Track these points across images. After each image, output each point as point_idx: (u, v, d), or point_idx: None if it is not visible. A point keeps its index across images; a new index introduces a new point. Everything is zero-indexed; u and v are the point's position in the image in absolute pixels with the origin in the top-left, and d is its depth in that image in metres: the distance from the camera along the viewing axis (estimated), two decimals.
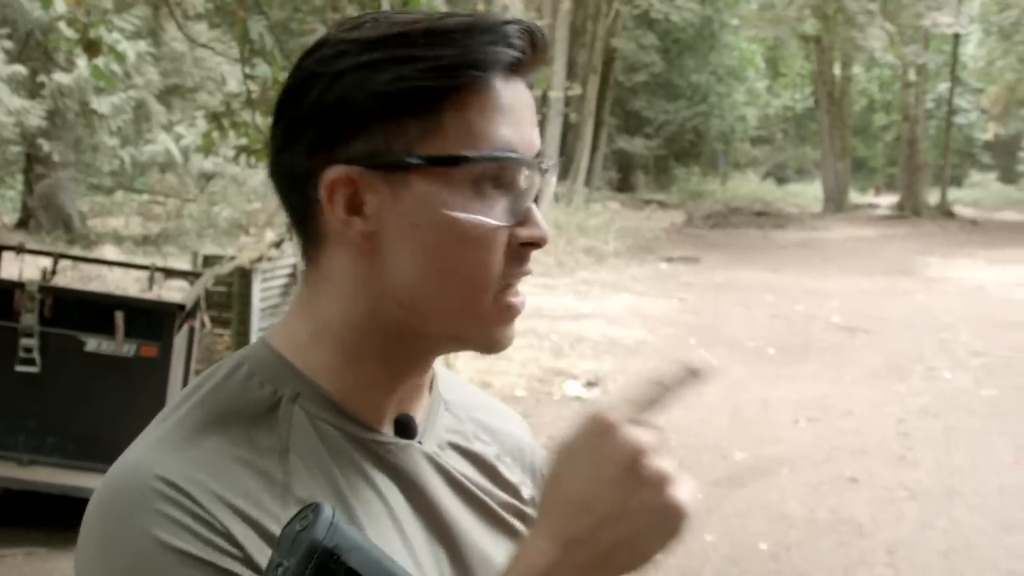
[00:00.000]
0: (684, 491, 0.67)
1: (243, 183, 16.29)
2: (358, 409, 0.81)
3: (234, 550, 0.71)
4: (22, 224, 15.36)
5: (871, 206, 29.14)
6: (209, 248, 12.68)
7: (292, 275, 7.71)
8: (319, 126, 0.77)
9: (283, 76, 3.64)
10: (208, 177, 16.70)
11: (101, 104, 13.95)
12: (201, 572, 0.69)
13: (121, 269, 8.69)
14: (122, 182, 17.76)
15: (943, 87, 30.86)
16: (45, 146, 14.17)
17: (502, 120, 0.77)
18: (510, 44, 0.77)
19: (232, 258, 8.21)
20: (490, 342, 0.81)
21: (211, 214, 16.38)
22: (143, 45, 13.70)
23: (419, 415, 0.86)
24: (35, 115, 13.60)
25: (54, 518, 4.51)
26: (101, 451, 4.31)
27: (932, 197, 27.35)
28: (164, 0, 11.11)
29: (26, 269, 5.71)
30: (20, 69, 13.70)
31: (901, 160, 29.12)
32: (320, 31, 0.89)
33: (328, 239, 0.80)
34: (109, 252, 13.00)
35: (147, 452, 0.75)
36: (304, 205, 0.80)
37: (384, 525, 0.79)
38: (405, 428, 0.84)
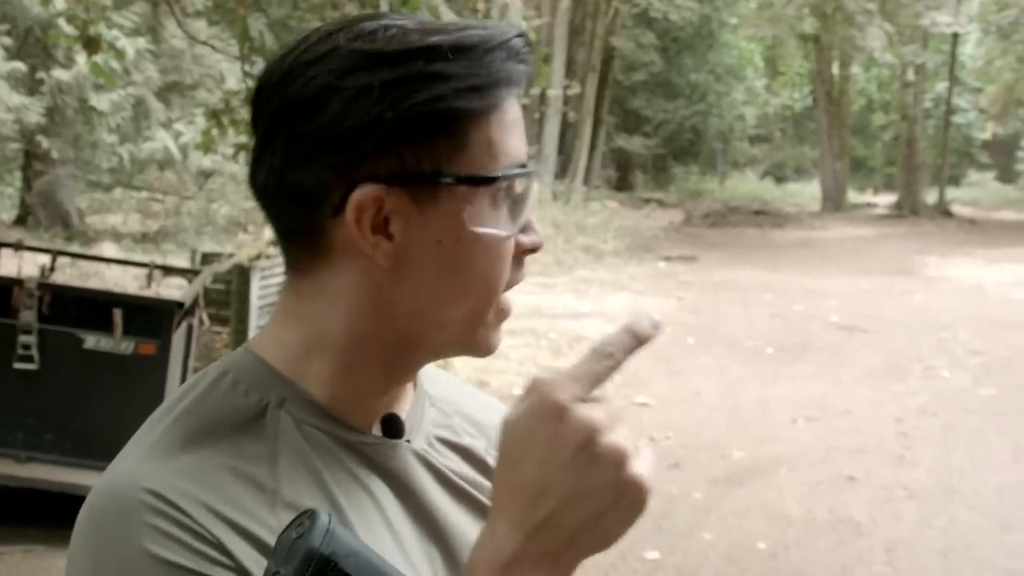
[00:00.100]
0: (642, 465, 0.66)
1: (242, 181, 16.20)
2: (346, 412, 0.81)
3: (226, 560, 0.71)
4: (21, 221, 15.32)
5: (869, 205, 29.17)
6: (208, 246, 12.69)
7: None
8: (342, 144, 0.75)
9: None
10: (207, 175, 16.66)
11: (100, 101, 13.93)
12: None
13: (120, 266, 8.68)
14: (121, 179, 17.71)
15: (942, 87, 30.88)
16: (44, 143, 14.14)
17: (513, 133, 0.79)
18: (522, 60, 0.78)
19: (231, 256, 8.20)
20: (488, 346, 0.82)
21: (210, 211, 16.37)
22: (142, 42, 13.68)
23: (405, 412, 0.86)
24: (34, 112, 13.58)
25: (52, 515, 4.48)
26: (99, 448, 4.30)
27: (930, 196, 27.35)
28: None
29: (25, 266, 5.70)
30: (19, 66, 13.67)
31: (899, 159, 29.15)
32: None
33: (336, 253, 0.78)
34: (108, 249, 12.99)
35: (135, 465, 0.74)
36: (311, 220, 0.77)
37: (376, 526, 0.79)
38: (392, 427, 0.84)
